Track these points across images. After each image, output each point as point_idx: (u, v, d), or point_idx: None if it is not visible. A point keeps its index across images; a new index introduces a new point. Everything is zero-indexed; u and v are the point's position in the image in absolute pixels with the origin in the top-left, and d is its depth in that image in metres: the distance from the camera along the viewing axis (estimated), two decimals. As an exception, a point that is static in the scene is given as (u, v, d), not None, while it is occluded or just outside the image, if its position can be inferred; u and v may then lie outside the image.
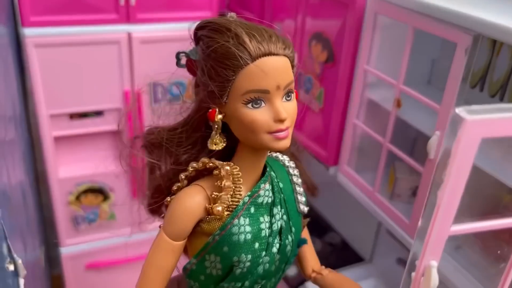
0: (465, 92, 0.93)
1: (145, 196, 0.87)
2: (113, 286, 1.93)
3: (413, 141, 1.35)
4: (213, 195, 0.72)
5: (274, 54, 0.66)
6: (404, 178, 1.21)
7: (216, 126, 0.71)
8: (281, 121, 0.67)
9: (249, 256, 0.73)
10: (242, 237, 0.73)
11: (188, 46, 1.66)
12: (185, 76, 1.81)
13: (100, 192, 1.77)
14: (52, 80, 1.52)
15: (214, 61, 0.67)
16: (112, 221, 1.82)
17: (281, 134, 0.68)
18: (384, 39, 1.18)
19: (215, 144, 0.72)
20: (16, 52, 1.53)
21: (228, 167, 0.73)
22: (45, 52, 1.47)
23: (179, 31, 1.62)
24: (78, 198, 1.74)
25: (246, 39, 0.66)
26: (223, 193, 0.72)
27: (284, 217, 0.79)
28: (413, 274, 0.66)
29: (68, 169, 1.71)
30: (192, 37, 0.75)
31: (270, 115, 0.67)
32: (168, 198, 0.79)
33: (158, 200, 0.83)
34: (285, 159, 0.86)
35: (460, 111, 0.54)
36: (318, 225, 1.83)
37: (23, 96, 1.66)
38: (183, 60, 0.75)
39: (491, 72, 1.12)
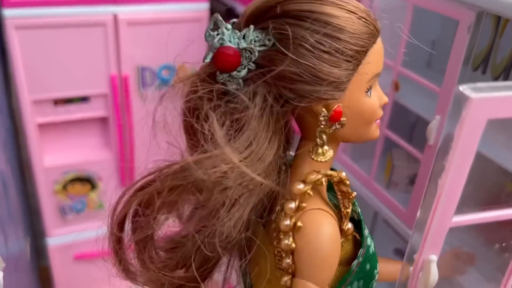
0: (467, 73, 0.87)
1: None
2: (102, 277, 1.87)
3: (412, 127, 1.29)
4: (345, 212, 0.61)
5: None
6: (402, 166, 1.15)
7: (338, 127, 0.57)
8: (384, 105, 0.61)
9: (378, 264, 0.65)
10: (372, 247, 0.64)
11: (178, 29, 1.60)
12: (175, 59, 1.74)
13: (87, 181, 1.71)
14: (34, 64, 1.45)
15: (342, 42, 0.53)
16: (100, 210, 1.77)
17: (379, 121, 0.62)
18: (382, 20, 1.12)
19: (322, 155, 0.60)
20: (-4, 35, 1.47)
21: (344, 173, 0.61)
22: (26, 35, 1.41)
23: (168, 12, 1.56)
24: (64, 187, 1.68)
25: (369, 13, 0.56)
26: (346, 207, 0.62)
27: None
28: (411, 268, 0.61)
29: (53, 158, 1.65)
30: (248, 15, 0.56)
31: (377, 100, 0.60)
32: (288, 241, 0.57)
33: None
34: None
35: (464, 89, 0.48)
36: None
37: (5, 81, 1.59)
38: (231, 50, 0.55)
39: (494, 54, 1.06)
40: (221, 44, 0.55)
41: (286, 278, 0.58)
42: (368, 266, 0.62)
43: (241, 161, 0.53)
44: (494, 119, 0.52)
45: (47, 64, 1.47)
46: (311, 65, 0.53)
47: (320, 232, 0.56)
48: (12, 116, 1.69)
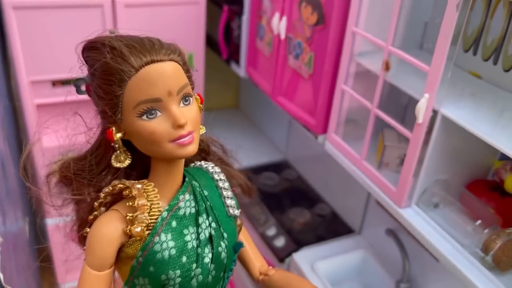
0: (455, 52, 0.88)
1: (77, 229, 0.83)
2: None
3: (405, 108, 1.31)
4: (127, 217, 0.70)
5: (158, 61, 0.65)
6: (393, 146, 1.17)
7: (117, 145, 0.69)
8: (181, 126, 0.66)
9: (178, 272, 0.72)
10: (166, 253, 0.71)
11: (176, 11, 1.60)
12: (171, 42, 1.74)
13: (86, 162, 1.73)
14: (32, 45, 1.46)
15: (99, 79, 0.65)
16: (99, 192, 1.79)
17: (185, 140, 0.67)
18: (374, 1, 1.13)
19: (119, 162, 0.70)
20: (-5, 15, 1.48)
21: (139, 185, 0.71)
22: (24, 15, 1.42)
23: (165, -6, 1.57)
24: (63, 168, 1.70)
25: (125, 51, 0.64)
26: (138, 212, 0.69)
27: (213, 224, 0.77)
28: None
29: (52, 138, 1.66)
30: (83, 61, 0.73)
31: (168, 123, 0.66)
32: (87, 229, 0.74)
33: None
34: (208, 165, 0.83)
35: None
36: (308, 196, 1.80)
37: (3, 61, 1.61)
38: (83, 87, 0.71)
39: (485, 35, 1.07)
40: (85, 82, 0.70)
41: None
42: (152, 269, 0.71)
43: (77, 168, 0.75)
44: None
45: (45, 45, 1.48)
46: (91, 98, 0.69)
47: (94, 226, 0.70)
48: (11, 97, 1.71)
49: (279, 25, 1.41)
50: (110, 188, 0.72)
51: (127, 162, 0.71)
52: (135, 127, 0.66)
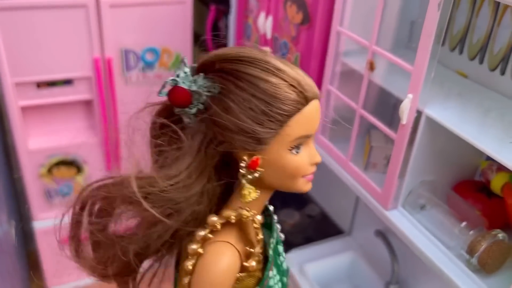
0: (438, 51, 0.87)
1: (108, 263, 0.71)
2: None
3: (393, 109, 1.29)
4: (250, 250, 0.66)
5: (317, 97, 0.64)
6: (380, 147, 1.15)
7: (256, 175, 0.64)
8: (317, 164, 0.66)
9: None
10: (276, 287, 0.71)
11: (162, 11, 1.58)
12: (158, 43, 1.72)
13: (73, 164, 1.71)
14: (16, 46, 1.44)
15: (267, 105, 0.60)
16: (87, 194, 1.77)
17: (311, 176, 0.67)
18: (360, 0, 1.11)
19: (243, 197, 0.65)
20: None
21: (259, 217, 0.67)
22: (7, 15, 1.40)
23: (151, -6, 1.55)
24: (50, 170, 1.68)
25: (301, 82, 0.61)
26: (258, 246, 0.67)
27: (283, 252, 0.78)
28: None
29: (38, 141, 1.64)
30: (199, 64, 0.65)
31: (307, 158, 0.65)
32: (189, 263, 0.66)
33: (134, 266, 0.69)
34: None
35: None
36: (297, 197, 1.78)
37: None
38: (167, 88, 0.64)
39: (471, 34, 1.05)
40: (175, 84, 0.63)
41: None
42: None
43: (166, 187, 0.62)
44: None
45: (29, 46, 1.46)
46: (237, 118, 0.60)
47: (213, 263, 0.63)
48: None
49: (265, 24, 1.39)
50: (233, 217, 0.66)
51: (256, 195, 0.66)
52: (282, 159, 0.63)
